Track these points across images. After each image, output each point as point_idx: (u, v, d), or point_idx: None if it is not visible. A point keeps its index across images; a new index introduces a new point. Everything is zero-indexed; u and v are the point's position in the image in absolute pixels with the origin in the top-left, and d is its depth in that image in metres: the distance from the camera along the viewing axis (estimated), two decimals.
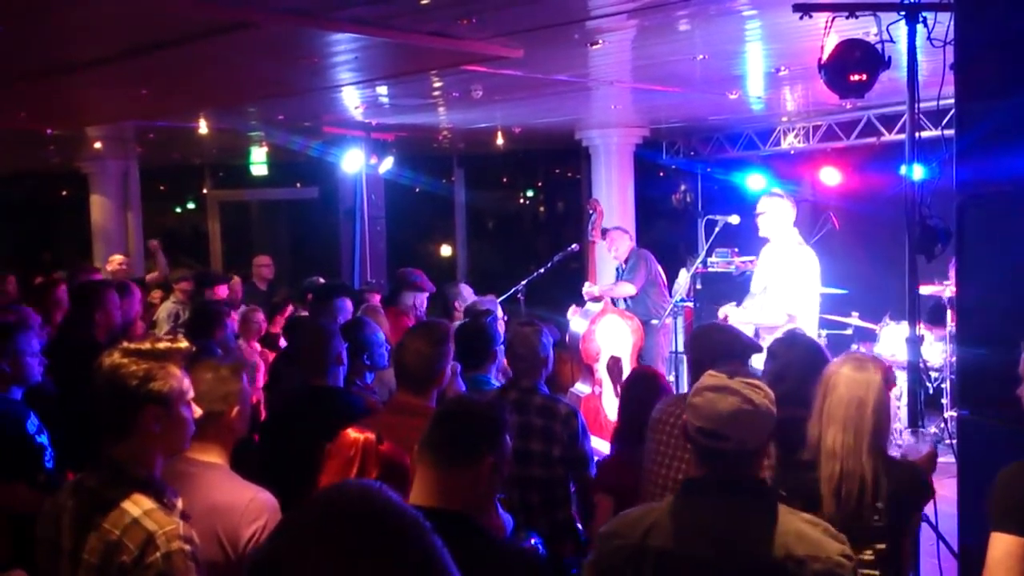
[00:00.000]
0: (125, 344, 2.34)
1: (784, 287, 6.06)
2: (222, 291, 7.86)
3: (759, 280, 6.40)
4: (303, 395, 4.14)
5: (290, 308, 7.78)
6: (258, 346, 6.67)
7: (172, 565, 2.16)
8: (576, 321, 7.10)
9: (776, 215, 6.20)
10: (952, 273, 6.76)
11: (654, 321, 7.73)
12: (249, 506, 2.55)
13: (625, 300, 7.96)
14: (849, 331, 8.23)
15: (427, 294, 6.76)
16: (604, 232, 7.96)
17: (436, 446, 2.34)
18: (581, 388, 6.83)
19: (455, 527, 2.14)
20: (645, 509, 2.42)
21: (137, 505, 2.22)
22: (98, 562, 2.20)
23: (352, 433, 2.74)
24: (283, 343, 6.63)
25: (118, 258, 10.01)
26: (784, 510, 2.34)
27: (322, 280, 8.43)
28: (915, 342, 4.51)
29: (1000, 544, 2.52)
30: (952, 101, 4.00)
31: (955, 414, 4.91)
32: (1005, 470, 2.63)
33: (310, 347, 4.15)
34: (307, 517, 1.29)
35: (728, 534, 2.26)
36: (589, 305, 7.28)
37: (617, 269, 8.22)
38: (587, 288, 7.40)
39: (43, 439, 3.79)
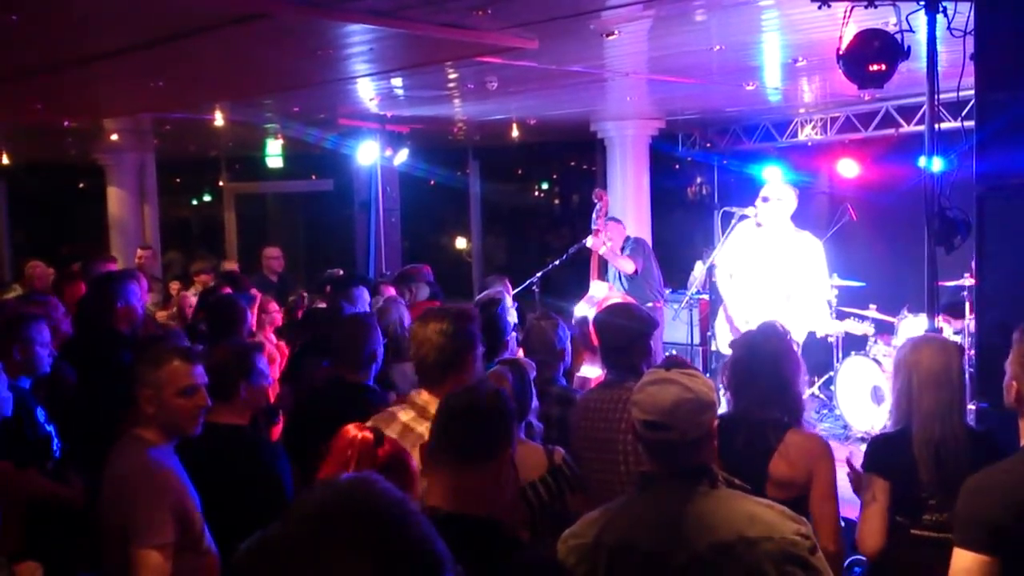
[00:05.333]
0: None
1: (817, 279, 6.49)
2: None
3: (761, 264, 6.50)
4: (331, 389, 4.11)
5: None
6: (273, 337, 6.68)
7: None
8: (582, 307, 7.16)
9: (790, 204, 6.51)
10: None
11: (649, 304, 7.77)
12: None
13: (622, 282, 8.09)
14: (867, 323, 8.18)
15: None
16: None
17: (453, 444, 2.22)
18: (589, 371, 6.85)
19: (483, 534, 2.11)
20: (603, 508, 2.45)
21: None
22: None
23: (351, 431, 2.69)
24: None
25: (143, 252, 10.15)
26: (736, 494, 2.36)
27: (341, 272, 8.47)
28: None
29: (963, 561, 2.48)
30: (972, 92, 3.96)
31: (974, 407, 4.87)
32: (971, 479, 2.58)
33: (346, 341, 4.13)
34: (298, 517, 1.26)
35: (677, 522, 2.27)
36: (593, 291, 7.41)
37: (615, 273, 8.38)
38: (591, 241, 7.76)
39: (50, 428, 3.81)
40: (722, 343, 6.62)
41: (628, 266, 8.10)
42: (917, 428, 3.07)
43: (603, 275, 8.09)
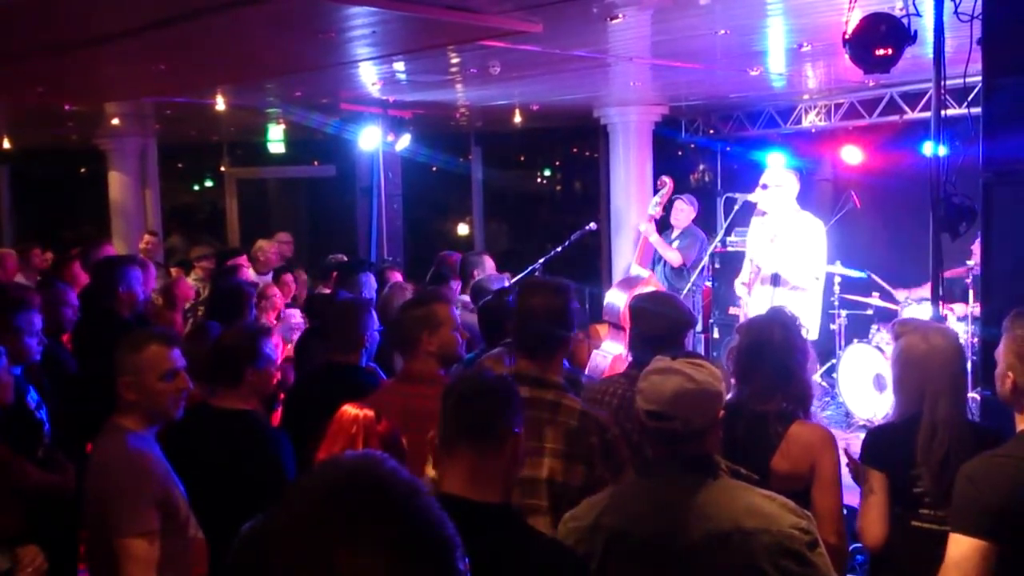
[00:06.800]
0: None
1: (811, 253, 6.51)
2: (242, 260, 7.82)
3: (773, 253, 6.49)
4: (323, 372, 4.12)
5: (288, 277, 7.83)
6: (275, 321, 6.68)
7: None
8: (615, 292, 7.19)
9: (791, 189, 6.60)
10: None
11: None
12: None
13: (666, 273, 8.23)
14: (869, 311, 8.16)
15: None
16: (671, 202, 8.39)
17: (472, 428, 2.20)
18: (610, 347, 6.83)
19: (501, 524, 2.12)
20: (606, 492, 2.46)
21: None
22: None
23: (351, 410, 2.68)
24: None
25: (149, 237, 10.16)
26: (739, 485, 2.37)
27: (344, 258, 8.45)
28: (939, 322, 4.46)
29: (959, 547, 2.47)
30: (978, 78, 3.93)
31: (978, 395, 4.86)
32: (968, 465, 2.56)
33: (338, 324, 4.14)
34: (308, 493, 1.20)
35: (675, 510, 2.27)
36: (633, 271, 7.67)
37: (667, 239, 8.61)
38: (644, 227, 8.08)
39: (42, 414, 3.78)
40: None
41: (675, 258, 8.28)
42: (927, 432, 2.96)
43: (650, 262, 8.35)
